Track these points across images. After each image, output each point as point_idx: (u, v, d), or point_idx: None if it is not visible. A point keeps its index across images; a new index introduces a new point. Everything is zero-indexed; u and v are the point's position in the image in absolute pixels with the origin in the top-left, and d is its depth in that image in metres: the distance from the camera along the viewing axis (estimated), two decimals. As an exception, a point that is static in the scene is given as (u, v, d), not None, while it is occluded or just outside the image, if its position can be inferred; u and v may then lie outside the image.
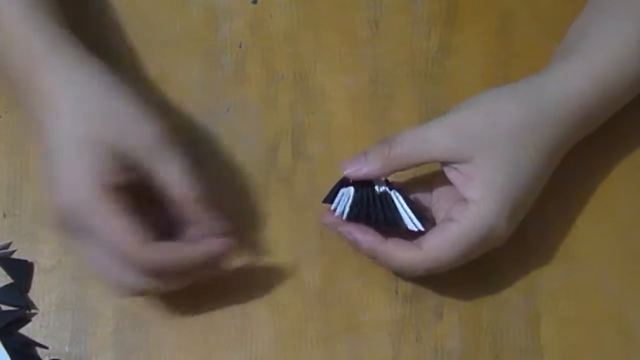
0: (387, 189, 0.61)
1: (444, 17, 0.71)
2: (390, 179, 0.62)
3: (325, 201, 0.62)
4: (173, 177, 0.58)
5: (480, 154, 0.58)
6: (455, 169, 0.59)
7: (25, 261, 0.64)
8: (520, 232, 0.64)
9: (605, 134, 0.67)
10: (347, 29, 0.70)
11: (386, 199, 0.61)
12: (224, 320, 0.64)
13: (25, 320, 0.63)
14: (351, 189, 0.61)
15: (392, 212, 0.61)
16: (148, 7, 0.71)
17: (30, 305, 0.64)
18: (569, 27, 0.64)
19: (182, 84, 0.69)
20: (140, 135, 0.57)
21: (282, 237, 0.65)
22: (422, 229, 0.60)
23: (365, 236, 0.60)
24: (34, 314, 0.63)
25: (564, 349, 0.63)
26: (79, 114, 0.57)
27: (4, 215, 0.65)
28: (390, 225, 0.60)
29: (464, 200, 0.59)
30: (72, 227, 0.57)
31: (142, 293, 0.59)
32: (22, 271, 0.64)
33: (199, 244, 0.59)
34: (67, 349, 0.63)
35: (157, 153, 0.58)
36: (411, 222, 0.60)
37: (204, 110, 0.68)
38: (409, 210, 0.61)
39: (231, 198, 0.66)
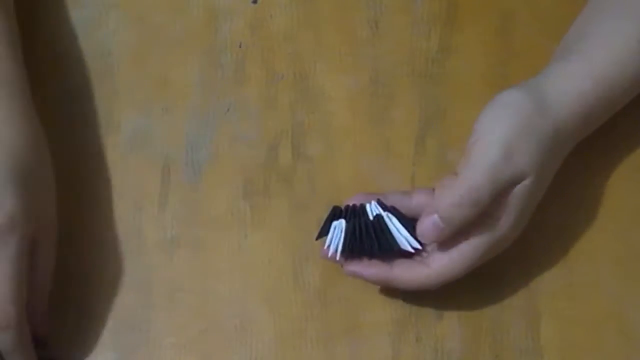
0: (381, 210, 0.61)
1: (444, 17, 0.71)
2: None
3: (319, 236, 0.62)
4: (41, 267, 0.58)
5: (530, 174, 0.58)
6: None
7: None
8: (521, 232, 0.64)
9: (605, 134, 0.67)
10: (347, 29, 0.70)
11: (379, 224, 0.61)
12: (224, 320, 0.64)
13: None
14: (342, 223, 0.61)
15: (385, 237, 0.60)
16: (148, 7, 0.71)
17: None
18: (569, 27, 0.64)
19: (182, 84, 0.69)
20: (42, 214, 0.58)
21: (282, 237, 0.65)
22: (418, 247, 0.60)
23: (370, 269, 0.60)
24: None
25: (564, 349, 0.63)
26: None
27: (4, 215, 0.65)
28: (385, 253, 0.60)
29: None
30: None
31: None
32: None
33: None
34: (67, 349, 0.63)
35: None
36: (407, 242, 0.60)
37: (204, 110, 0.68)
38: (403, 231, 0.60)
39: (231, 198, 0.66)
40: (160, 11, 0.70)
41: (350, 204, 0.62)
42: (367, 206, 0.61)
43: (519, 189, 0.58)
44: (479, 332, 0.64)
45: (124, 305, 0.64)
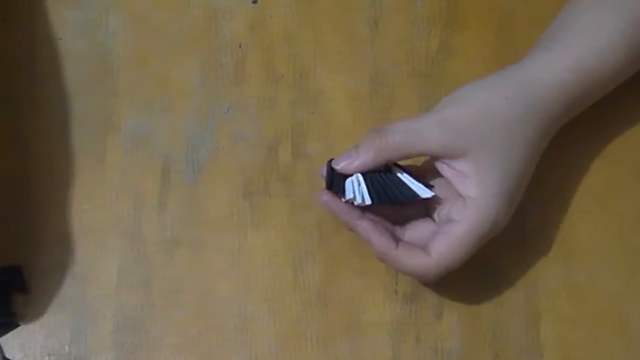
0: (389, 169, 0.61)
1: (444, 17, 0.71)
2: None
3: (328, 187, 0.61)
4: None
5: (474, 150, 0.58)
6: (448, 165, 0.59)
7: (15, 265, 0.64)
8: (520, 231, 0.64)
9: (605, 134, 0.67)
10: (347, 29, 0.70)
11: (392, 177, 0.60)
12: (224, 320, 0.64)
13: (11, 325, 0.63)
14: (359, 176, 0.60)
15: (405, 188, 0.60)
16: (148, 7, 0.71)
17: (15, 310, 0.64)
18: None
19: (182, 84, 0.69)
20: None
21: (282, 237, 0.65)
22: (433, 194, 0.60)
23: (381, 238, 0.60)
24: (21, 319, 0.64)
25: (564, 348, 0.63)
26: None
27: (4, 215, 0.65)
28: (409, 200, 0.60)
29: (460, 197, 0.59)
30: None
31: None
32: (17, 277, 0.64)
33: None
34: (67, 349, 0.63)
35: None
36: (424, 191, 0.60)
37: (204, 110, 0.68)
38: (415, 182, 0.60)
39: (231, 198, 0.66)
40: (160, 11, 0.70)
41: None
42: (375, 169, 0.61)
43: (486, 173, 0.58)
44: (479, 332, 0.64)
45: (124, 305, 0.64)
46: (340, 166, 0.60)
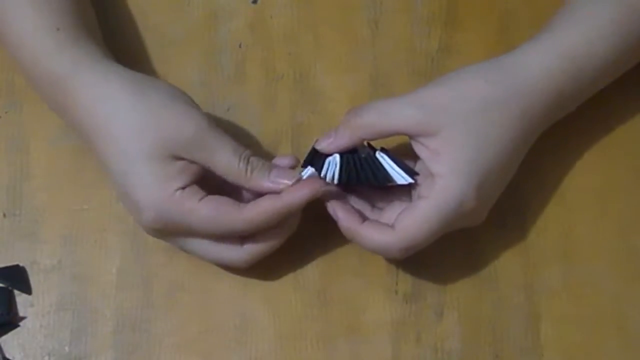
0: (371, 151, 0.61)
1: (444, 17, 0.71)
2: None
3: (304, 164, 0.62)
4: (223, 165, 0.59)
5: (447, 128, 0.58)
6: (422, 143, 0.59)
7: (17, 266, 0.64)
8: (520, 231, 0.64)
9: (605, 134, 0.67)
10: (347, 29, 0.70)
11: (372, 160, 0.61)
12: (224, 320, 0.64)
13: (11, 325, 0.63)
14: (337, 156, 0.61)
15: (380, 171, 0.61)
16: (148, 7, 0.71)
17: (15, 310, 0.64)
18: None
19: (182, 84, 0.68)
20: (183, 133, 0.59)
21: (282, 237, 0.65)
22: (411, 181, 0.60)
23: (346, 215, 0.60)
24: (21, 319, 0.64)
25: (564, 348, 0.63)
26: (122, 135, 0.59)
27: (4, 215, 0.66)
28: (381, 183, 0.61)
29: (431, 175, 0.59)
30: (170, 233, 0.60)
31: (254, 259, 0.61)
32: (17, 277, 0.64)
33: (289, 194, 0.59)
34: (67, 349, 0.63)
35: (202, 146, 0.59)
36: (400, 177, 0.60)
37: (204, 110, 0.68)
38: (396, 167, 0.61)
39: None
40: (160, 11, 0.70)
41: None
42: (359, 149, 0.61)
43: (457, 150, 0.58)
44: (479, 332, 0.64)
45: (124, 305, 0.64)
46: (320, 146, 0.61)
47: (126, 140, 0.58)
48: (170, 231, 0.60)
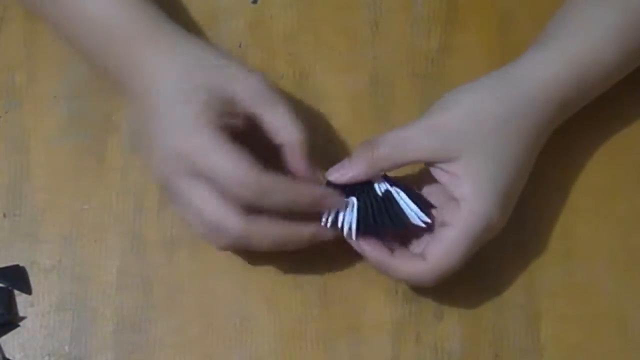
0: (388, 185, 0.61)
1: (444, 17, 0.71)
2: None
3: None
4: (280, 120, 0.59)
5: (466, 152, 0.59)
6: (441, 168, 0.59)
7: (17, 266, 0.64)
8: (520, 232, 0.64)
9: (605, 134, 0.67)
10: (347, 29, 0.70)
11: (389, 199, 0.61)
12: (224, 320, 0.64)
13: (11, 325, 0.63)
14: (354, 200, 0.60)
15: (396, 212, 0.60)
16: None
17: (15, 310, 0.64)
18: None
19: (182, 84, 0.69)
20: (245, 81, 0.59)
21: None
22: (428, 221, 0.60)
23: (374, 250, 0.60)
24: (21, 319, 0.64)
25: (564, 348, 0.63)
26: (182, 68, 0.59)
27: (4, 215, 0.66)
28: (398, 228, 0.60)
29: (454, 199, 0.59)
30: (182, 173, 0.57)
31: (238, 243, 0.59)
32: (17, 277, 0.64)
33: (308, 188, 0.59)
34: (67, 349, 0.63)
35: (263, 98, 0.59)
36: (416, 217, 0.60)
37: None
38: (412, 205, 0.60)
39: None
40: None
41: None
42: (375, 181, 0.61)
43: (478, 172, 0.58)
44: (479, 332, 0.64)
45: (124, 305, 0.64)
46: (333, 177, 0.61)
47: (194, 74, 0.58)
48: (184, 170, 0.57)
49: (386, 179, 0.61)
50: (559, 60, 0.61)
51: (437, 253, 0.58)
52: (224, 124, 0.58)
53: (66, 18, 0.62)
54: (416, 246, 0.61)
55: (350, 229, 0.60)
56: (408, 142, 0.60)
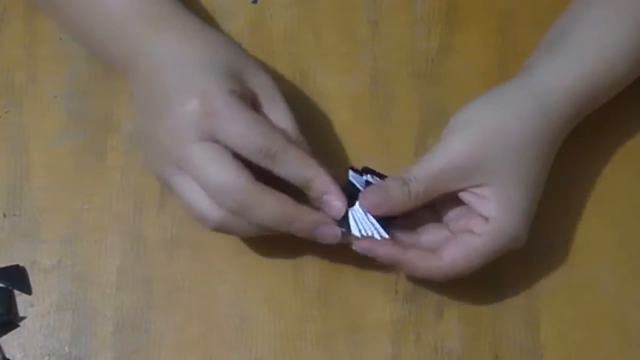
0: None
1: (444, 17, 0.71)
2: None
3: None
4: (283, 122, 0.60)
5: (493, 176, 0.59)
6: (470, 191, 0.60)
7: (17, 266, 0.64)
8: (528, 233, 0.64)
9: (606, 135, 0.67)
10: (347, 29, 0.70)
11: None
12: (224, 320, 0.64)
13: (11, 325, 0.63)
14: (357, 205, 0.60)
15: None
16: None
17: (15, 310, 0.64)
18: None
19: (182, 84, 0.68)
20: (256, 73, 0.60)
21: (282, 237, 0.65)
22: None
23: (385, 248, 0.60)
24: (21, 319, 0.64)
25: (564, 349, 0.63)
26: (207, 44, 0.60)
27: (4, 215, 0.66)
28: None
29: (481, 216, 0.59)
30: (195, 136, 0.57)
31: (229, 224, 0.59)
32: (17, 277, 0.64)
33: (326, 175, 0.59)
34: (67, 349, 0.63)
35: (269, 94, 0.60)
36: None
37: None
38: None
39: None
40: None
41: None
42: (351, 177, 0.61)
43: (507, 195, 0.59)
44: (479, 332, 0.64)
45: (124, 305, 0.64)
46: (369, 205, 0.59)
47: (215, 50, 0.60)
48: (197, 133, 0.57)
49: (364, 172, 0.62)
50: (573, 72, 0.61)
51: (456, 255, 0.59)
52: (241, 95, 0.58)
53: (77, 6, 0.62)
54: (431, 243, 0.61)
55: (380, 235, 0.60)
56: (439, 180, 0.59)
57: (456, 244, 0.59)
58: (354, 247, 0.60)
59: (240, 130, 0.57)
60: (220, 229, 0.59)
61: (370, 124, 0.68)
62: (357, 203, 0.60)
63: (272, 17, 0.71)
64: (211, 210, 0.58)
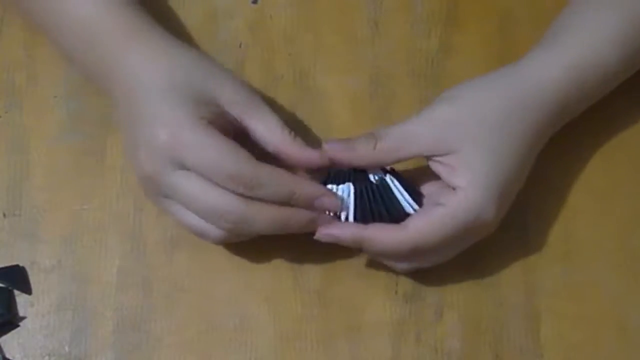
0: (382, 173, 0.61)
1: (444, 17, 0.71)
2: None
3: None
4: (266, 130, 0.60)
5: (465, 146, 0.59)
6: (440, 161, 0.59)
7: (17, 266, 0.64)
8: (520, 231, 0.64)
9: (606, 134, 0.67)
10: (347, 29, 0.70)
11: (384, 187, 0.60)
12: (223, 320, 0.64)
13: (11, 325, 0.63)
14: (350, 187, 0.60)
15: (391, 201, 0.60)
16: (148, 7, 0.70)
17: (15, 310, 0.64)
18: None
19: (182, 84, 0.68)
20: (227, 84, 0.59)
21: (282, 237, 0.65)
22: (417, 208, 0.60)
23: (344, 229, 0.59)
24: (21, 319, 0.64)
25: (564, 348, 0.63)
26: (166, 67, 0.59)
27: (4, 215, 0.66)
28: (394, 218, 0.60)
29: (450, 187, 0.59)
30: (175, 167, 0.57)
31: (237, 228, 0.58)
32: (17, 277, 0.64)
33: (306, 181, 0.59)
34: (67, 349, 0.63)
35: (245, 102, 0.60)
36: (409, 205, 0.60)
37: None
38: (405, 193, 0.60)
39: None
40: (160, 11, 0.70)
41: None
42: (369, 170, 0.61)
43: (476, 165, 0.59)
44: (479, 332, 0.64)
45: (124, 305, 0.64)
46: (330, 148, 0.60)
47: (186, 73, 0.59)
48: (171, 163, 0.57)
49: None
50: (560, 61, 0.61)
51: (419, 223, 0.58)
52: (212, 120, 0.58)
53: (50, 18, 0.62)
54: None
55: (347, 216, 0.60)
56: (410, 136, 0.60)
57: (422, 214, 0.59)
58: (316, 237, 0.60)
59: (210, 159, 0.57)
60: (224, 242, 0.61)
61: (370, 124, 0.68)
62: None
63: (272, 17, 0.71)
64: (210, 229, 0.59)
